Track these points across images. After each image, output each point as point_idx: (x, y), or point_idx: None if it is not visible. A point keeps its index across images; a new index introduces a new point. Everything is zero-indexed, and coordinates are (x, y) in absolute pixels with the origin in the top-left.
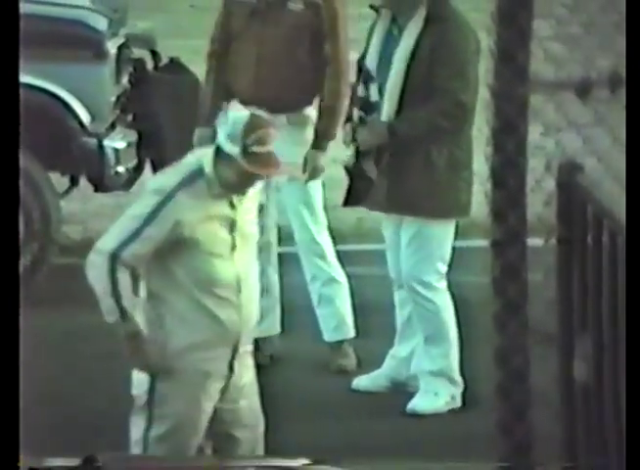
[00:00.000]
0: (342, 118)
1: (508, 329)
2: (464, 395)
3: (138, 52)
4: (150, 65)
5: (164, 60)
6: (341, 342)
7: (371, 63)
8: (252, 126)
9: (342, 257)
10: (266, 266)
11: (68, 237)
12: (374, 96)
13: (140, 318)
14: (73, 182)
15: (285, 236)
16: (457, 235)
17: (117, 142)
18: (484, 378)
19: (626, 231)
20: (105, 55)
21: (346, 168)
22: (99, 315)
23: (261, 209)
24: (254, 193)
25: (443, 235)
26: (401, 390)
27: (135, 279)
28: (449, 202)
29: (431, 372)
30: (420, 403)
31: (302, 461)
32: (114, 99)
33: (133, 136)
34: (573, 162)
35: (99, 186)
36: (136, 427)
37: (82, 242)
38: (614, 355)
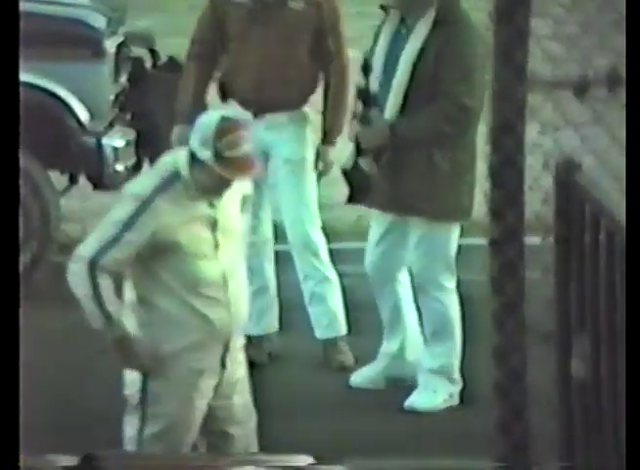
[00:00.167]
0: (348, 113)
1: (506, 327)
2: (462, 393)
3: (137, 51)
4: (148, 63)
5: (163, 58)
6: (334, 339)
7: (377, 61)
8: (223, 130)
9: (341, 254)
10: (263, 264)
11: (67, 235)
12: (374, 88)
13: (130, 322)
14: (73, 180)
15: (281, 234)
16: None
17: (116, 140)
18: (482, 376)
19: (626, 230)
20: (103, 54)
21: (344, 169)
22: None
23: (244, 201)
24: (235, 187)
25: (452, 236)
26: (399, 386)
27: (119, 283)
28: (451, 204)
29: (431, 370)
30: (418, 400)
31: (302, 458)
32: (112, 98)
33: (132, 134)
34: (571, 160)
35: (98, 184)
36: (130, 426)
37: (81, 240)
38: (611, 354)
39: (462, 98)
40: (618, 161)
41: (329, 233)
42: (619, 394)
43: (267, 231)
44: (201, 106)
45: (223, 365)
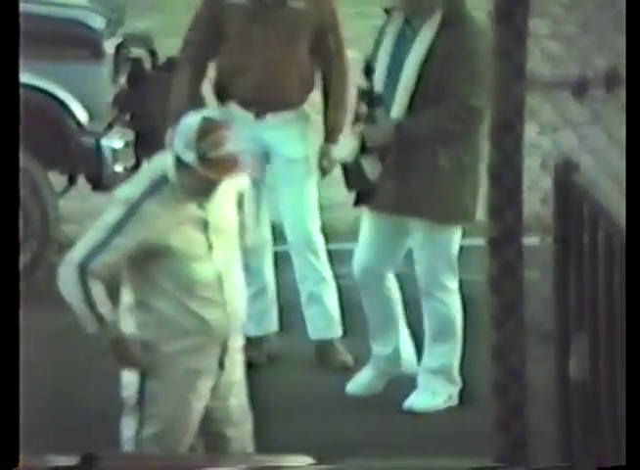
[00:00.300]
0: (349, 112)
1: (505, 327)
2: (461, 392)
3: (136, 51)
4: (148, 64)
5: (162, 59)
6: (330, 340)
7: (381, 63)
8: (205, 131)
9: (341, 255)
10: (262, 265)
11: (66, 236)
12: (377, 89)
13: (127, 325)
14: (72, 181)
15: (279, 234)
16: None
17: (115, 141)
18: (481, 376)
19: (626, 231)
20: (102, 54)
21: (344, 165)
22: None
23: (241, 198)
24: (226, 184)
25: (454, 237)
26: (397, 387)
27: (115, 287)
28: (455, 206)
29: (431, 370)
30: (417, 401)
31: (300, 459)
32: (111, 98)
33: (131, 135)
34: (570, 160)
35: (97, 185)
36: (128, 428)
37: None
38: (609, 353)
39: (469, 98)
40: (617, 161)
41: (327, 234)
42: (618, 393)
43: (266, 232)
44: (196, 107)
45: (221, 366)
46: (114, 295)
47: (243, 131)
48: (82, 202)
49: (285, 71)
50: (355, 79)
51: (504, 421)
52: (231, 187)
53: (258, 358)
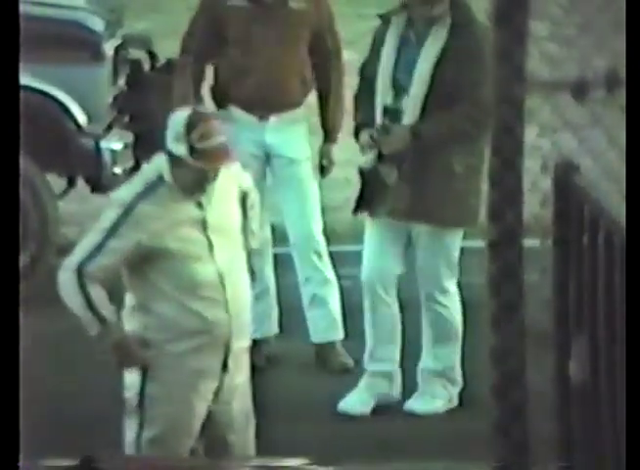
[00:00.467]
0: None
1: (504, 330)
2: (461, 394)
3: (135, 53)
4: (147, 66)
5: (161, 61)
6: (332, 343)
7: (386, 70)
8: (193, 123)
9: (342, 257)
10: (263, 267)
11: (65, 238)
12: (399, 104)
13: (130, 327)
14: (71, 183)
15: (279, 236)
16: None
17: (114, 143)
18: (481, 378)
19: (626, 232)
20: (102, 56)
21: (362, 173)
22: None
23: (244, 197)
24: (226, 183)
25: (457, 240)
26: (390, 407)
27: (118, 290)
28: (464, 209)
29: (432, 372)
30: (417, 404)
31: (301, 461)
32: (110, 100)
33: (130, 137)
34: (570, 162)
35: (96, 187)
36: (129, 429)
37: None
38: (610, 356)
39: (483, 100)
40: (617, 162)
41: (328, 236)
42: (618, 395)
43: (266, 234)
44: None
45: (224, 368)
46: (117, 298)
47: (245, 135)
48: (81, 204)
49: (286, 72)
50: (350, 81)
51: (504, 424)
52: (231, 185)
53: (258, 361)
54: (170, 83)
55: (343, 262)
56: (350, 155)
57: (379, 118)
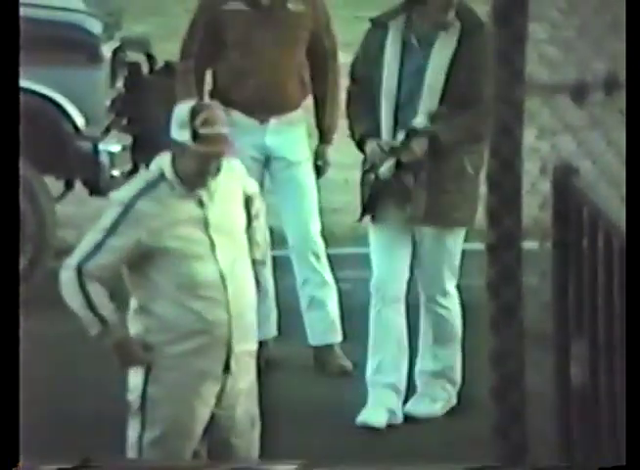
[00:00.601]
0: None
1: (503, 332)
2: (459, 395)
3: (133, 56)
4: (145, 68)
5: (160, 63)
6: (330, 345)
7: (392, 78)
8: (197, 110)
9: (340, 260)
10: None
11: (63, 241)
12: (410, 112)
13: (133, 330)
14: (68, 186)
15: (277, 239)
16: None
17: (112, 146)
18: (480, 380)
19: (626, 234)
20: (100, 59)
21: (384, 181)
22: None
23: (250, 202)
24: (229, 183)
25: (459, 242)
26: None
27: (118, 292)
28: (469, 210)
29: (432, 373)
30: (416, 407)
31: (296, 464)
32: (108, 103)
33: (128, 140)
34: (569, 164)
35: (94, 190)
36: (131, 431)
37: (77, 245)
38: (609, 358)
39: None
40: (616, 165)
41: (326, 238)
42: (618, 398)
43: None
44: None
45: (227, 370)
46: (122, 303)
47: (245, 139)
48: (79, 206)
49: (285, 74)
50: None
51: (503, 425)
52: (235, 187)
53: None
54: (169, 86)
55: (342, 265)
56: (350, 157)
57: (387, 127)
